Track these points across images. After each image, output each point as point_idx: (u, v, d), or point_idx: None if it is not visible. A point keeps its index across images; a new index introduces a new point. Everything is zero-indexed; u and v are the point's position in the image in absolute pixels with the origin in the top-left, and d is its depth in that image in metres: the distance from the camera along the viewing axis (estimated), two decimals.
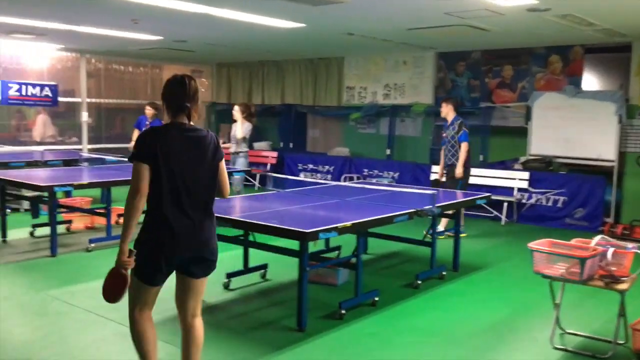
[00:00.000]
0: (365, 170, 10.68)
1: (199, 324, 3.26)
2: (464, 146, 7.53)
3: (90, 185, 6.64)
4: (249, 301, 5.11)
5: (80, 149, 11.47)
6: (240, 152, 8.33)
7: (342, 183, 6.87)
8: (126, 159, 9.26)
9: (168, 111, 3.12)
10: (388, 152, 11.21)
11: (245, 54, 11.70)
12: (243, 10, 6.78)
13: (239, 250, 5.65)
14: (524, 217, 9.02)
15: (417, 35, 8.43)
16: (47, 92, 10.96)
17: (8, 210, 8.21)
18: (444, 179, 7.85)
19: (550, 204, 8.80)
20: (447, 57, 10.58)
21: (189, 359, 3.24)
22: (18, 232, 7.31)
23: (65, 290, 5.20)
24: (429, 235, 5.98)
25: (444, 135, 7.87)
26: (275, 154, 12.04)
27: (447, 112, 7.77)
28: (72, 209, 7.67)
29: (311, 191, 6.19)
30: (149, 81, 13.65)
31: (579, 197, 8.57)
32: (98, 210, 7.36)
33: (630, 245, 4.16)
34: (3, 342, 4.07)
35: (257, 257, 5.56)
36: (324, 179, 11.12)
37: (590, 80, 9.41)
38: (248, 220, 4.46)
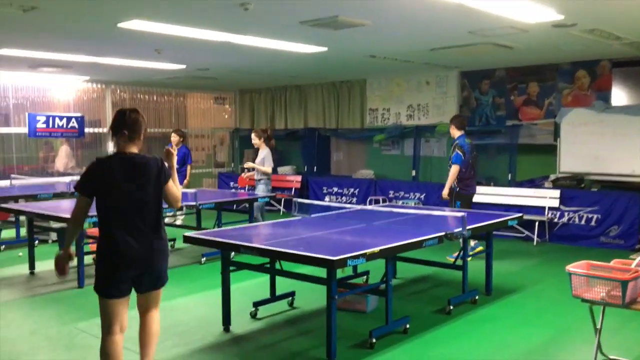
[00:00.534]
0: (391, 192, 10.55)
1: (153, 317, 3.67)
2: (452, 168, 7.38)
3: None
4: (276, 330, 5.00)
5: None
6: (261, 179, 8.28)
7: (367, 207, 6.75)
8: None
9: (114, 142, 3.54)
10: (413, 173, 11.08)
11: (267, 79, 11.75)
12: (264, 36, 6.80)
13: (265, 278, 5.56)
14: (556, 236, 8.77)
15: (440, 55, 8.35)
16: (73, 123, 11.13)
17: (36, 242, 8.30)
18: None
19: (583, 222, 8.56)
20: (470, 75, 10.47)
21: (146, 348, 3.66)
22: (46, 264, 7.31)
23: (92, 323, 5.14)
24: (459, 259, 5.82)
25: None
26: (299, 178, 12.00)
27: (451, 131, 7.68)
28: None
29: (337, 216, 6.09)
30: (173, 109, 13.78)
31: (613, 214, 8.32)
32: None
33: None
34: None
35: (284, 284, 5.46)
36: (349, 202, 11.02)
37: (619, 95, 9.20)
38: (274, 249, 4.37)
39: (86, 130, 11.46)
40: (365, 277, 6.30)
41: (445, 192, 7.47)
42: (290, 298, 5.62)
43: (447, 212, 5.58)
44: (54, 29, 6.29)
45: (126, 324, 3.53)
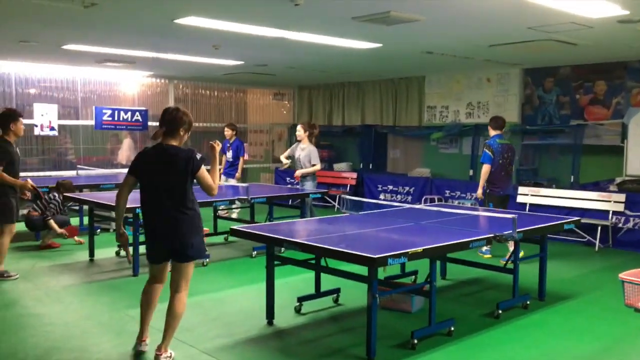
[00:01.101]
0: (447, 191, 10.36)
1: (177, 298, 4.11)
2: (482, 168, 7.46)
3: None
4: (319, 326, 5.00)
5: None
6: (307, 175, 8.27)
7: (416, 206, 6.65)
8: (234, 181, 9.44)
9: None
10: (471, 172, 10.82)
11: (325, 75, 11.77)
12: (317, 32, 6.80)
13: (312, 273, 5.58)
14: (620, 242, 8.37)
15: (500, 52, 8.11)
16: (137, 117, 11.52)
17: (98, 230, 8.64)
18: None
19: None
20: (534, 73, 10.13)
21: (165, 324, 4.13)
22: (105, 252, 7.62)
23: None
24: (510, 262, 5.64)
25: None
26: (354, 174, 11.96)
27: (489, 131, 7.70)
28: None
29: (385, 214, 6.03)
30: (233, 104, 14.03)
31: None
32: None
33: None
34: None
35: (330, 280, 5.46)
36: (404, 200, 10.90)
37: None
38: (316, 244, 4.37)
39: (149, 124, 11.83)
40: (413, 277, 6.22)
41: (478, 192, 7.55)
42: (335, 295, 5.61)
43: (498, 214, 5.41)
44: (114, 25, 6.51)
45: (165, 279, 4.28)
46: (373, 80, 12.40)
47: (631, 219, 8.27)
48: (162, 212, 4.02)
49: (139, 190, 4.17)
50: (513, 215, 4.91)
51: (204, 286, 6.07)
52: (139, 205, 5.16)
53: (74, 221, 9.46)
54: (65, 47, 8.06)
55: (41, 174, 10.44)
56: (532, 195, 9.20)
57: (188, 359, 4.24)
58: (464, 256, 6.13)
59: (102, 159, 12.35)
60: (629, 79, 9.05)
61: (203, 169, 4.06)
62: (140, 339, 4.30)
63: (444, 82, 11.28)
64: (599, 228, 8.31)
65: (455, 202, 9.74)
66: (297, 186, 8.55)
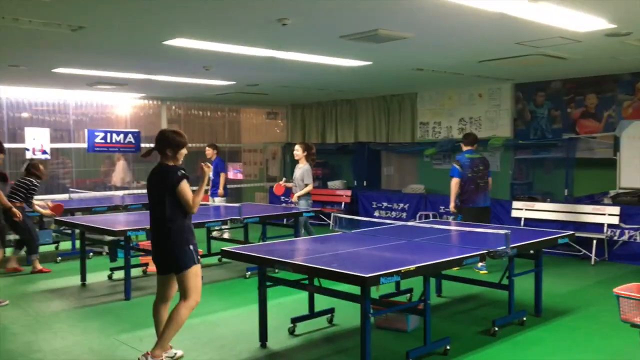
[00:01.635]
0: (442, 207, 10.32)
1: (177, 306, 4.34)
2: (452, 182, 7.69)
3: None
4: (313, 348, 4.93)
5: None
6: (301, 194, 8.25)
7: (409, 223, 6.61)
8: (207, 203, 9.51)
9: None
10: None
11: (317, 94, 11.79)
12: (306, 52, 6.81)
13: (304, 294, 5.51)
14: (616, 255, 8.33)
15: (490, 67, 8.14)
16: (130, 138, 11.49)
17: (90, 254, 8.56)
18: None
19: None
20: (525, 87, 10.16)
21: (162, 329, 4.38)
22: (97, 276, 7.54)
23: (134, 335, 5.23)
24: (505, 278, 5.59)
25: None
26: (349, 192, 11.93)
27: (462, 147, 7.97)
28: (148, 252, 7.83)
29: (378, 232, 5.98)
30: (226, 124, 14.03)
31: None
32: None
33: None
34: None
35: (324, 300, 5.39)
36: (399, 217, 10.86)
37: None
38: (307, 264, 4.31)
39: (142, 145, 11.80)
40: (408, 295, 6.16)
41: (451, 206, 7.78)
42: (329, 315, 5.54)
43: (491, 230, 5.37)
44: (104, 48, 6.50)
45: (169, 296, 4.54)
46: (365, 98, 12.42)
47: (626, 231, 8.24)
48: (154, 225, 4.39)
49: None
50: (506, 231, 4.87)
51: (196, 309, 5.98)
52: (130, 228, 5.30)
53: (66, 245, 9.41)
54: (55, 70, 8.05)
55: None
56: (526, 209, 9.18)
57: None
58: (459, 273, 6.08)
59: (98, 181, 12.31)
60: (619, 91, 9.08)
61: (183, 185, 4.26)
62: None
63: (436, 98, 11.31)
64: (595, 241, 8.27)
65: (450, 218, 9.69)
66: (292, 205, 8.53)
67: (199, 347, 4.93)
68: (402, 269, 4.06)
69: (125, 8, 4.81)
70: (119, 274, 7.26)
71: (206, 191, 10.01)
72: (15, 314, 5.96)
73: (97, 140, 11.02)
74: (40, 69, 8.04)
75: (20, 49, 6.54)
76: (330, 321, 5.53)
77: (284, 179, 8.88)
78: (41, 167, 8.16)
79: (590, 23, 5.37)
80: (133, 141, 11.53)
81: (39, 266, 7.88)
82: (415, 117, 11.67)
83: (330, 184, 12.55)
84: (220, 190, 10.13)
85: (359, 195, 11.78)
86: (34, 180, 7.87)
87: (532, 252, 5.71)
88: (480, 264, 7.41)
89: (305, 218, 8.16)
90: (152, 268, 7.92)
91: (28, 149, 10.29)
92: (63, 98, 11.00)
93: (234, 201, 10.58)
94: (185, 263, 4.30)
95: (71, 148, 11.24)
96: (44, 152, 10.48)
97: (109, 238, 7.44)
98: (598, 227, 8.43)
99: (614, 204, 8.51)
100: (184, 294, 4.34)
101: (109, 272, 7.48)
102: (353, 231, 6.02)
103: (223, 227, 9.16)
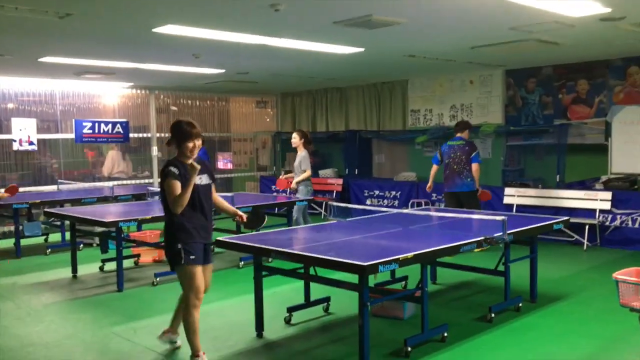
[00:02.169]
0: (434, 194, 10.30)
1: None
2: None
3: (154, 220, 6.66)
4: (310, 337, 4.90)
5: (151, 183, 11.75)
6: (300, 181, 8.20)
7: (404, 210, 6.59)
8: None
9: None
10: None
11: (307, 82, 11.69)
12: (298, 38, 6.72)
13: (300, 283, 5.47)
14: (608, 240, 8.36)
15: (482, 54, 8.09)
16: (118, 128, 11.34)
17: (81, 245, 8.45)
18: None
19: (637, 225, 8.12)
20: (516, 74, 10.13)
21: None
22: (88, 267, 7.45)
23: (128, 327, 5.17)
24: (501, 265, 5.57)
25: None
26: (340, 181, 11.87)
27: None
28: (139, 243, 7.75)
29: (373, 220, 5.94)
30: (216, 114, 13.90)
31: None
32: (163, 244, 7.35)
33: None
34: None
35: (320, 289, 5.35)
36: (391, 205, 10.83)
37: None
38: (304, 253, 4.27)
39: (131, 135, 11.65)
40: (404, 283, 6.14)
41: (427, 186, 8.45)
42: (325, 304, 5.51)
43: (487, 216, 5.35)
44: (91, 36, 6.37)
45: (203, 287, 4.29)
46: (356, 86, 12.35)
47: (618, 216, 8.27)
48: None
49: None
50: (503, 218, 4.85)
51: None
52: (121, 219, 5.11)
53: (56, 237, 9.30)
54: (42, 59, 7.89)
55: (21, 189, 10.20)
56: (518, 196, 9.18)
57: None
58: (454, 260, 6.05)
59: (87, 172, 12.15)
60: (610, 77, 9.08)
61: (167, 182, 4.02)
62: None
63: (427, 85, 11.26)
64: (587, 227, 8.29)
65: (442, 205, 9.68)
66: (282, 194, 8.50)
67: None
68: (400, 256, 4.03)
69: None
70: (111, 266, 7.19)
71: None
72: (6, 307, 5.87)
73: (85, 130, 10.85)
74: (26, 58, 7.88)
75: (5, 37, 6.39)
76: (326, 310, 5.50)
77: (282, 172, 8.80)
78: None
79: (585, 7, 5.33)
80: (121, 131, 11.38)
81: None
82: (406, 104, 11.62)
83: (322, 172, 12.49)
84: None
85: (350, 184, 11.74)
86: None
87: (527, 238, 5.70)
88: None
89: (303, 206, 8.12)
90: (143, 259, 7.85)
91: (15, 140, 10.13)
92: (50, 88, 10.82)
93: (225, 191, 10.47)
94: (174, 261, 4.17)
95: (58, 139, 11.07)
96: (31, 143, 10.32)
97: (99, 229, 7.35)
98: (590, 212, 8.46)
99: (605, 189, 8.53)
100: (181, 284, 4.24)
101: (101, 264, 7.40)
102: (348, 219, 5.97)
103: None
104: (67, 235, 8.05)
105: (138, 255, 7.79)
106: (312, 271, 5.03)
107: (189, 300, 4.13)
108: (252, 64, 8.86)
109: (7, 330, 5.16)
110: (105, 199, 8.96)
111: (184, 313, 4.17)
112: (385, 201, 11.06)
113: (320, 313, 5.44)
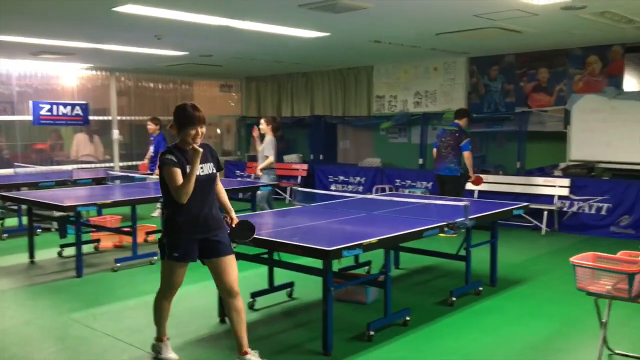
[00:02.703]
0: (398, 180, 10.39)
1: None
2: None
3: (114, 204, 6.53)
4: (273, 322, 4.89)
5: (112, 167, 11.51)
6: (264, 168, 8.14)
7: (368, 196, 6.62)
8: (156, 177, 9.25)
9: None
10: (421, 161, 10.89)
11: (273, 66, 11.59)
12: (263, 21, 6.64)
13: (264, 268, 5.45)
14: (565, 226, 8.58)
15: (446, 40, 8.15)
16: (78, 111, 11.07)
17: (39, 230, 8.24)
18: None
19: (593, 211, 8.36)
20: (479, 61, 10.25)
21: None
22: (46, 253, 7.27)
23: (87, 313, 5.08)
24: (463, 249, 5.66)
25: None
26: (305, 166, 11.85)
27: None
28: (99, 228, 7.60)
29: (338, 205, 5.95)
30: (179, 97, 13.66)
31: (624, 203, 8.11)
32: (124, 229, 7.24)
33: None
34: None
35: (283, 274, 5.34)
36: (356, 191, 10.87)
37: (632, 81, 8.93)
38: (268, 238, 4.24)
39: (91, 118, 11.38)
40: (367, 268, 6.18)
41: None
42: (289, 289, 5.50)
43: (450, 202, 5.41)
44: (49, 13, 6.17)
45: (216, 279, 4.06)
46: (322, 71, 12.30)
47: (576, 202, 8.49)
48: None
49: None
50: (465, 203, 4.91)
51: (150, 286, 5.83)
52: (80, 203, 4.88)
53: (12, 222, 9.04)
54: None
55: None
56: None
57: None
58: (417, 244, 6.11)
59: (44, 156, 11.83)
60: (570, 66, 9.26)
61: (165, 171, 3.69)
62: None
63: (392, 71, 11.30)
64: (545, 213, 8.49)
65: (406, 191, 9.77)
66: (248, 179, 8.43)
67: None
68: (364, 241, 4.05)
69: None
70: (70, 251, 7.03)
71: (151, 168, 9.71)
72: None
73: (43, 112, 10.57)
74: None
75: None
76: (290, 295, 5.49)
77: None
78: None
79: None
80: (81, 113, 11.12)
81: None
82: (372, 90, 11.64)
83: (287, 157, 12.45)
84: (157, 171, 9.73)
85: (315, 169, 11.74)
86: None
87: (488, 223, 5.79)
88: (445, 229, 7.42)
89: (267, 192, 8.07)
90: (104, 244, 7.70)
91: None
92: (5, 68, 10.47)
93: None
94: (160, 252, 3.92)
95: (15, 120, 10.74)
96: None
97: (57, 214, 7.18)
98: (549, 198, 8.65)
99: (564, 176, 8.74)
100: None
101: (59, 249, 7.22)
102: (312, 205, 5.96)
103: (157, 204, 8.82)
104: (25, 219, 7.84)
105: (98, 241, 7.64)
106: (276, 256, 5.02)
107: (161, 292, 4.00)
108: (216, 46, 8.73)
109: None
110: (63, 183, 8.74)
111: (155, 298, 4.05)
112: (350, 187, 11.10)
113: (284, 298, 5.43)
